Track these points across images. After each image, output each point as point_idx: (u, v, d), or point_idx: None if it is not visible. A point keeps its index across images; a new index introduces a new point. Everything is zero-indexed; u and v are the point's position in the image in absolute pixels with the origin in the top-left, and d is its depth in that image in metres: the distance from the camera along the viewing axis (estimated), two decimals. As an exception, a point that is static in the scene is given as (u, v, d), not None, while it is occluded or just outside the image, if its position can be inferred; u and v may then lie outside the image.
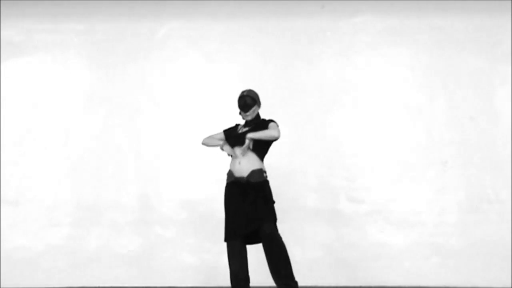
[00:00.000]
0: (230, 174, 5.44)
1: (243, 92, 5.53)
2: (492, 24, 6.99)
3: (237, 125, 5.63)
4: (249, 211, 5.24)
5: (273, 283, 5.31)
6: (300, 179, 6.91)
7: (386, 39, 7.05)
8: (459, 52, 7.01)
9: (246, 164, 5.34)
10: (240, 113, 5.56)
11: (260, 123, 5.47)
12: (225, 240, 5.39)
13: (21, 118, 7.08)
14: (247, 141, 5.34)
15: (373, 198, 6.90)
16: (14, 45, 7.13)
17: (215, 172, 6.91)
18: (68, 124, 7.06)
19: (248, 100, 5.45)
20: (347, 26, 7.08)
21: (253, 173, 5.32)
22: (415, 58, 7.03)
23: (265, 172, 5.40)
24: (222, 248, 6.76)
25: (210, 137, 5.65)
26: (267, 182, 5.39)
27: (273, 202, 5.36)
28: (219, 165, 6.91)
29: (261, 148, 5.40)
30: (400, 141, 6.96)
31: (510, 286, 6.59)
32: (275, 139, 5.37)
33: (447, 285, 6.70)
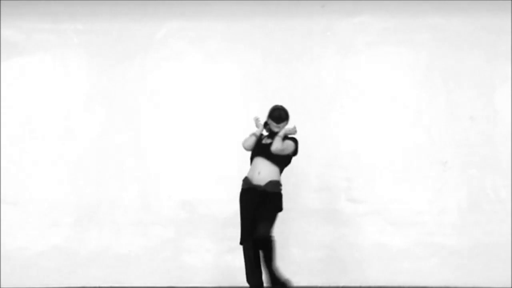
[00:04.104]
0: (247, 181, 5.51)
1: (276, 105, 5.66)
2: (492, 24, 6.98)
3: (261, 136, 5.69)
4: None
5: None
6: (300, 179, 6.91)
7: (386, 39, 7.05)
8: (459, 52, 7.00)
9: (266, 174, 5.46)
10: (266, 124, 5.63)
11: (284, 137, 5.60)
12: (240, 243, 5.47)
13: (21, 118, 7.07)
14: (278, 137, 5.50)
15: (373, 198, 6.90)
16: (14, 45, 7.12)
17: (215, 172, 6.92)
18: (68, 124, 7.06)
19: (282, 114, 5.61)
20: (347, 26, 7.08)
21: (270, 183, 5.44)
22: (415, 58, 7.03)
23: (281, 185, 5.49)
24: (222, 248, 6.80)
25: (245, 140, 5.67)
26: (280, 194, 5.50)
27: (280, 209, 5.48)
28: (219, 165, 6.93)
29: (282, 161, 5.54)
30: (400, 141, 6.96)
31: (510, 286, 6.59)
32: (282, 151, 5.48)
33: (447, 285, 6.70)
